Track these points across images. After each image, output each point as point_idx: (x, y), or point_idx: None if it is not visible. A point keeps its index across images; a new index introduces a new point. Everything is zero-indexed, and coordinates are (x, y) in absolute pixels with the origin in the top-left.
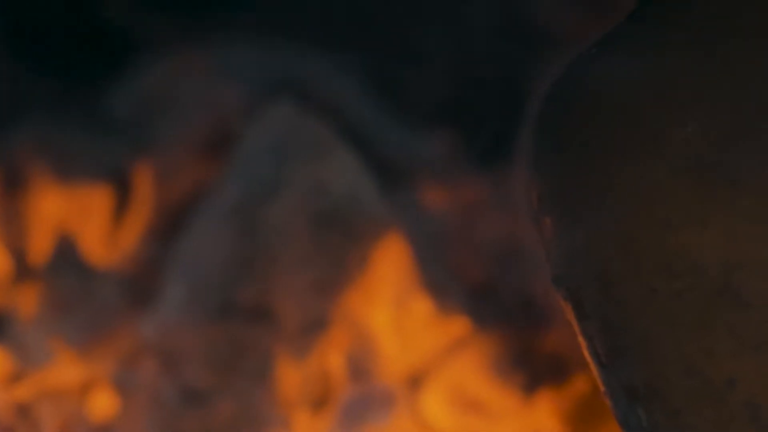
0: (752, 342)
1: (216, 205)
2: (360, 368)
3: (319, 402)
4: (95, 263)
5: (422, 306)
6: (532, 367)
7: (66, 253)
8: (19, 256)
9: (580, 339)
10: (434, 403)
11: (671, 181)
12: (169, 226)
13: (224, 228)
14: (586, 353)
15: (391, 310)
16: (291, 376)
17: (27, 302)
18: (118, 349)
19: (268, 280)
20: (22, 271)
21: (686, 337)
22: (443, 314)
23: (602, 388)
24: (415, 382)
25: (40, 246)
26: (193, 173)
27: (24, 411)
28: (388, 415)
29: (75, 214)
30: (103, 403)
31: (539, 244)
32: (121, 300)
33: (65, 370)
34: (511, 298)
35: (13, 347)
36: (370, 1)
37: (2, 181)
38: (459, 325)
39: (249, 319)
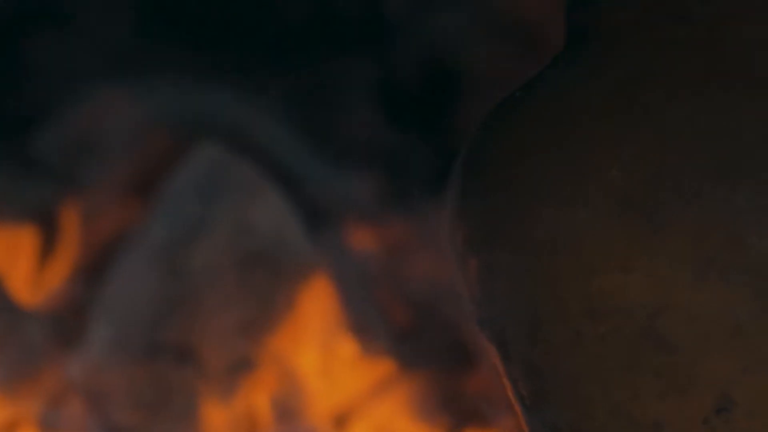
0: (678, 384)
1: (142, 245)
2: (286, 409)
3: None
4: (22, 303)
5: (348, 347)
6: (458, 409)
7: None
8: None
9: (505, 381)
10: None
11: (595, 224)
12: (96, 267)
13: (150, 268)
14: (511, 395)
15: (318, 350)
16: (217, 417)
17: None
18: (45, 389)
19: (194, 321)
20: None
21: (612, 379)
22: (369, 355)
23: (526, 431)
24: (341, 422)
25: None
26: (119, 214)
27: None
28: None
29: (2, 254)
30: None
31: (465, 286)
32: (48, 340)
33: None
34: (437, 339)
35: None
36: (297, 41)
37: None
38: (385, 366)
39: (175, 360)
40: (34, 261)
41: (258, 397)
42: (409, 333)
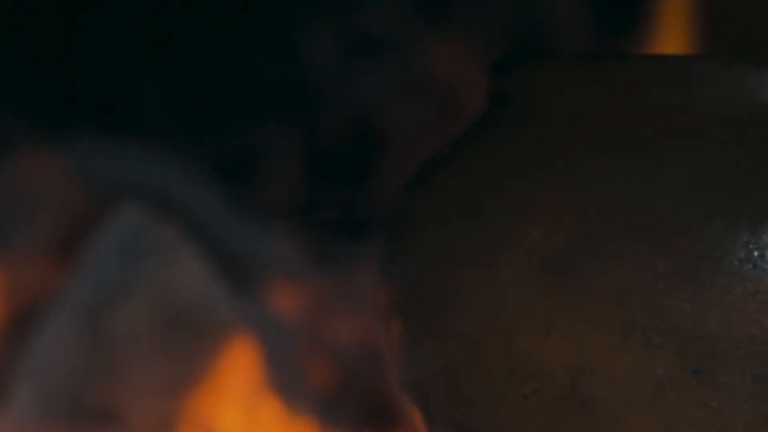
0: None
1: (65, 307)
2: None
3: None
4: None
5: (271, 407)
6: None
7: None
8: None
9: None
10: None
11: (517, 286)
12: (18, 329)
13: (73, 330)
14: None
15: (240, 411)
16: None
17: None
18: None
19: (117, 382)
20: None
21: None
22: (292, 416)
23: None
24: None
25: None
26: (42, 276)
27: None
28: None
29: None
30: None
31: (388, 348)
32: None
33: None
34: (360, 400)
35: None
36: (219, 102)
37: None
38: (308, 428)
39: (97, 422)
40: None
41: None
42: (332, 394)
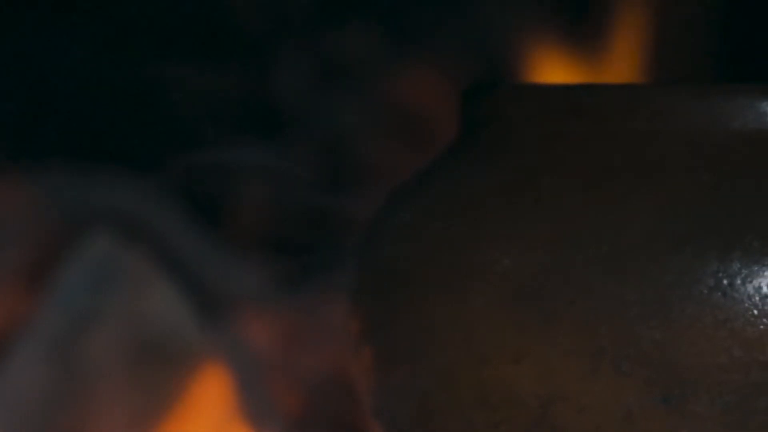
0: None
1: (35, 336)
2: None
3: None
4: None
5: None
6: None
7: None
8: None
9: None
10: None
11: (488, 314)
12: None
13: (42, 360)
14: None
15: None
16: None
17: None
18: None
19: (87, 411)
20: None
21: None
22: None
23: None
24: None
25: None
26: (12, 304)
27: None
28: None
29: None
30: None
31: (359, 376)
32: None
33: None
34: (332, 429)
35: None
36: (190, 128)
37: None
38: None
39: None
40: None
41: None
42: (303, 423)
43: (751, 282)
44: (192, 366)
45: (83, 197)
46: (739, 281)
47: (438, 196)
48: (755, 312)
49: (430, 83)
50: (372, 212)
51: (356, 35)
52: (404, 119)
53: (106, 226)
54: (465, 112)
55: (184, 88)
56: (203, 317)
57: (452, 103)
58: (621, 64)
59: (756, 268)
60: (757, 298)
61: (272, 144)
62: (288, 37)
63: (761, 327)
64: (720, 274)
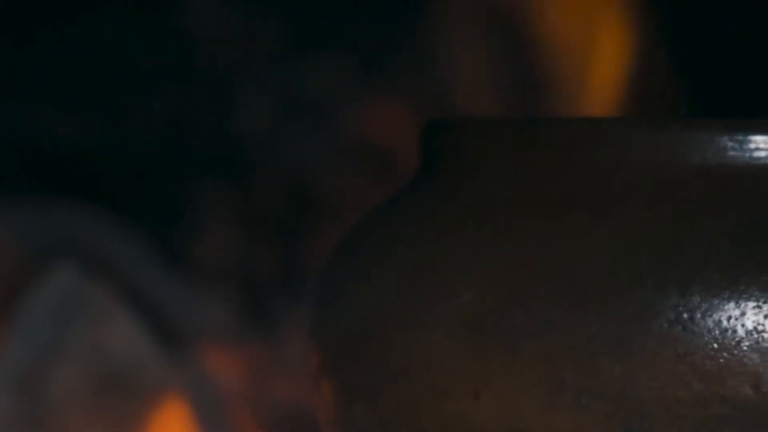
0: None
1: None
2: None
3: None
4: None
5: None
6: None
7: None
8: None
9: None
10: None
11: (448, 348)
12: None
13: (5, 393)
14: None
15: None
16: None
17: None
18: None
19: None
20: None
21: None
22: None
23: None
24: None
25: None
26: None
27: None
28: None
29: None
30: None
31: (320, 409)
32: None
33: None
34: None
35: None
36: (154, 161)
37: None
38: None
39: None
40: None
41: None
42: None
43: (711, 316)
44: (154, 399)
45: (48, 230)
46: (699, 315)
47: (398, 230)
48: (715, 346)
49: (393, 117)
50: (333, 245)
51: (321, 69)
52: (367, 153)
53: (70, 259)
54: (425, 146)
55: (149, 122)
56: (166, 351)
57: (415, 137)
58: (590, 98)
59: (716, 302)
60: (717, 332)
61: (237, 178)
62: (251, 72)
63: (721, 361)
64: (680, 308)
